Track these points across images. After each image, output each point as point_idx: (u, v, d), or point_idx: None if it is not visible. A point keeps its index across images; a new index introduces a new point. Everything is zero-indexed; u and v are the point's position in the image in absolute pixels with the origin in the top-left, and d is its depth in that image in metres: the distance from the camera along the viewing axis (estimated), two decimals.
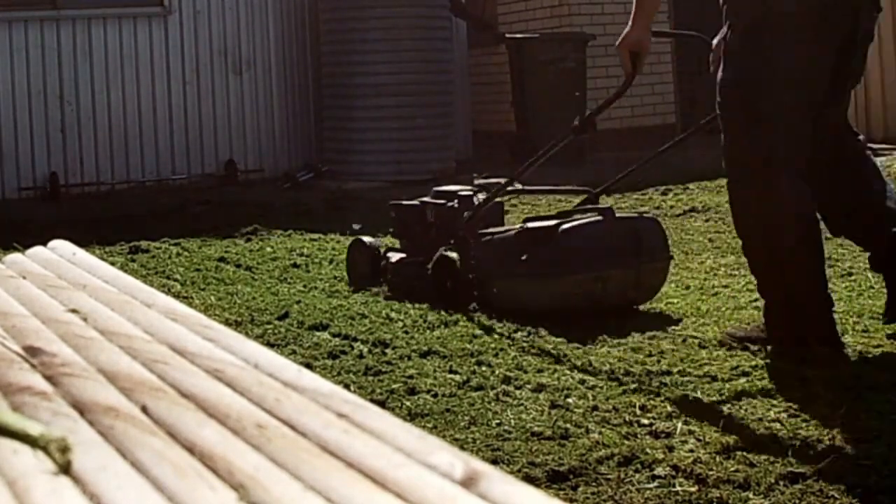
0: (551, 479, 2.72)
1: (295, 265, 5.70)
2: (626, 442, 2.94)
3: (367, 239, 5.17)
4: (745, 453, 2.81)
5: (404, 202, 5.12)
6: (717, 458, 2.79)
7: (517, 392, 3.42)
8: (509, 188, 4.86)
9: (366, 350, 3.94)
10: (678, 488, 2.63)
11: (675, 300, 4.60)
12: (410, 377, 3.59)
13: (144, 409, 1.26)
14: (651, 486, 2.66)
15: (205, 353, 1.49)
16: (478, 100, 11.47)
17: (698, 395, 3.35)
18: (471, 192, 4.89)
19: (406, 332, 4.15)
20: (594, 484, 2.68)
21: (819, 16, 3.76)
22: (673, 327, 4.14)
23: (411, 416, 3.21)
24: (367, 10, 9.38)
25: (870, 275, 4.82)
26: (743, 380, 3.46)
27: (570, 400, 3.32)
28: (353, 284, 5.04)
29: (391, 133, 9.35)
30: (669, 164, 9.20)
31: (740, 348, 3.80)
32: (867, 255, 4.19)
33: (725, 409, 3.21)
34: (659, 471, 2.73)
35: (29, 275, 2.15)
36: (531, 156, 4.87)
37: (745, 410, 3.18)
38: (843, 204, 4.01)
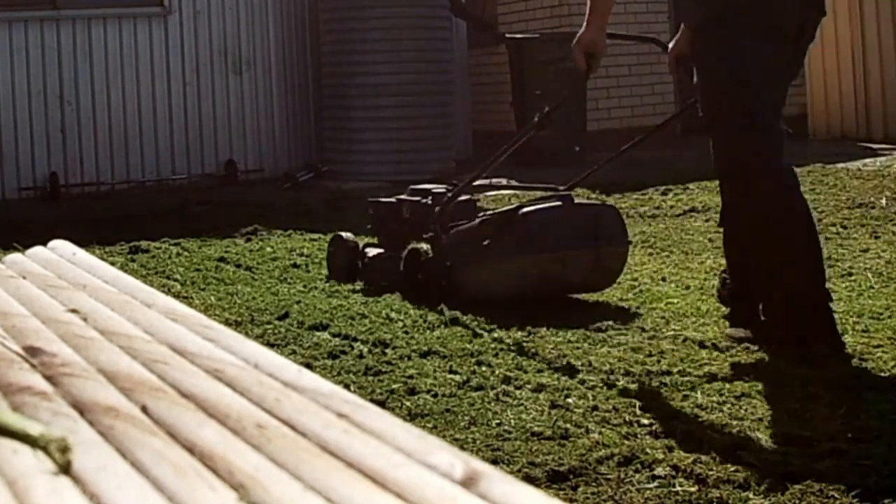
0: (551, 479, 2.72)
1: (295, 265, 5.70)
2: (626, 442, 2.94)
3: (345, 235, 5.36)
4: (745, 453, 2.81)
5: (381, 199, 5.34)
6: (717, 458, 2.79)
7: (517, 392, 3.42)
8: (474, 184, 5.07)
9: (366, 350, 3.94)
10: (678, 488, 2.63)
11: (675, 300, 4.60)
12: (410, 377, 3.59)
13: (144, 409, 1.26)
14: (651, 486, 2.66)
15: (205, 353, 1.49)
16: (478, 100, 11.47)
17: (698, 395, 3.35)
18: (444, 190, 5.06)
19: (406, 332, 4.15)
20: (594, 484, 2.68)
21: (772, 16, 3.83)
22: (673, 327, 4.14)
23: (411, 416, 3.21)
24: (367, 10, 9.39)
25: (870, 275, 4.83)
26: (743, 380, 3.46)
27: (570, 400, 3.32)
28: (333, 278, 5.24)
29: (391, 133, 9.35)
30: (669, 164, 9.22)
31: (740, 348, 3.80)
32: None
33: (725, 409, 3.21)
34: (659, 471, 2.73)
35: (29, 275, 2.15)
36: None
37: (745, 410, 3.18)
38: None
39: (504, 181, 7.01)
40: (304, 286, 5.14)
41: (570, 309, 4.47)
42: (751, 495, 2.58)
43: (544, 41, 10.46)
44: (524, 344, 3.95)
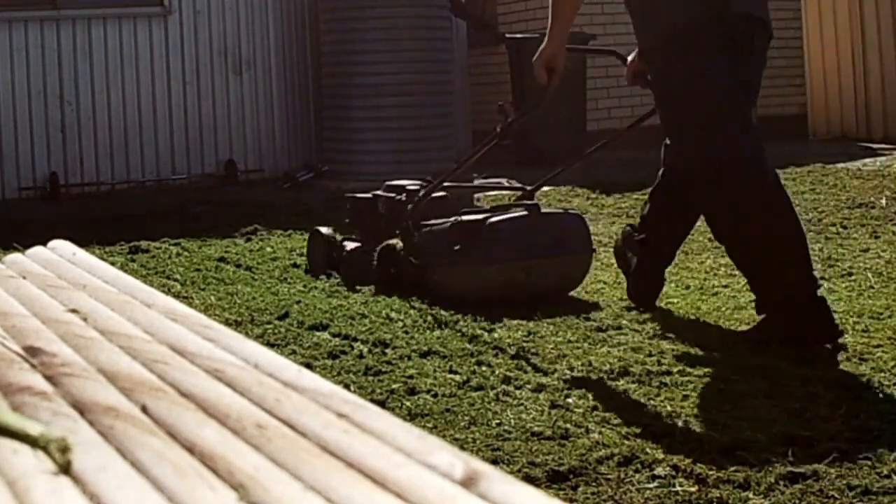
0: (551, 479, 2.72)
1: (295, 265, 5.70)
2: (626, 442, 2.94)
3: (324, 229, 5.48)
4: (745, 453, 2.81)
5: (359, 195, 5.49)
6: (717, 458, 2.79)
7: (517, 392, 3.42)
8: (445, 183, 5.17)
9: (366, 350, 3.94)
10: (678, 488, 2.63)
11: (675, 300, 4.60)
12: (410, 377, 3.59)
13: (144, 409, 1.26)
14: (651, 486, 2.66)
15: (205, 353, 1.49)
16: (478, 100, 11.47)
17: (698, 395, 3.35)
18: (418, 187, 5.19)
19: (406, 332, 4.15)
20: (594, 484, 2.68)
21: (723, 33, 3.92)
22: (673, 327, 4.14)
23: (411, 416, 3.21)
24: (367, 10, 9.38)
25: (870, 275, 4.83)
26: (743, 380, 3.46)
27: (570, 400, 3.32)
28: (312, 272, 5.39)
29: (391, 133, 9.35)
30: None
31: (741, 348, 3.80)
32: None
33: (725, 409, 3.21)
34: (659, 471, 2.73)
35: (29, 275, 2.15)
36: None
37: (745, 410, 3.18)
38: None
39: (505, 181, 7.04)
40: (304, 286, 5.14)
41: (570, 309, 4.47)
42: (751, 495, 2.58)
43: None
44: (524, 344, 3.95)
